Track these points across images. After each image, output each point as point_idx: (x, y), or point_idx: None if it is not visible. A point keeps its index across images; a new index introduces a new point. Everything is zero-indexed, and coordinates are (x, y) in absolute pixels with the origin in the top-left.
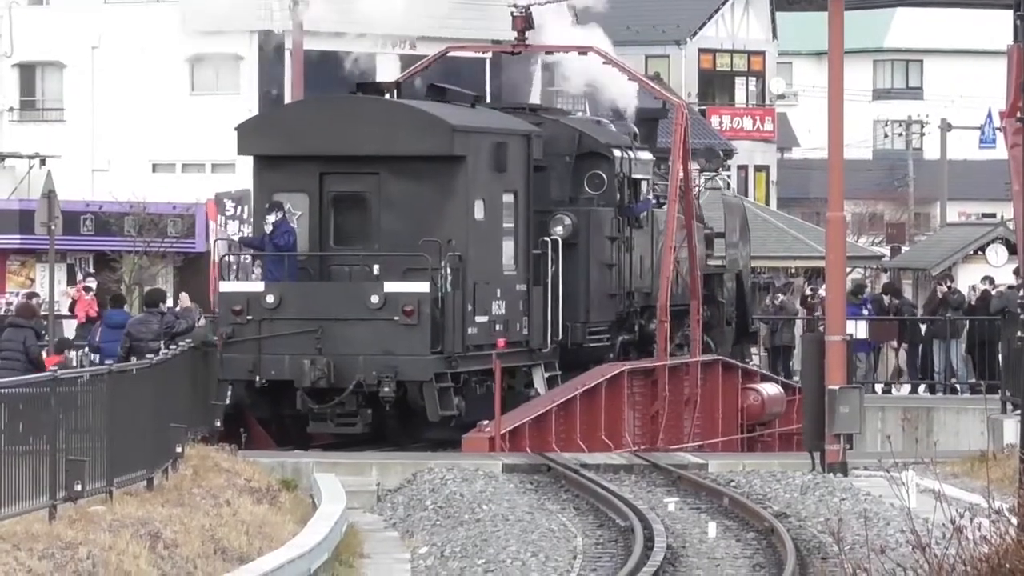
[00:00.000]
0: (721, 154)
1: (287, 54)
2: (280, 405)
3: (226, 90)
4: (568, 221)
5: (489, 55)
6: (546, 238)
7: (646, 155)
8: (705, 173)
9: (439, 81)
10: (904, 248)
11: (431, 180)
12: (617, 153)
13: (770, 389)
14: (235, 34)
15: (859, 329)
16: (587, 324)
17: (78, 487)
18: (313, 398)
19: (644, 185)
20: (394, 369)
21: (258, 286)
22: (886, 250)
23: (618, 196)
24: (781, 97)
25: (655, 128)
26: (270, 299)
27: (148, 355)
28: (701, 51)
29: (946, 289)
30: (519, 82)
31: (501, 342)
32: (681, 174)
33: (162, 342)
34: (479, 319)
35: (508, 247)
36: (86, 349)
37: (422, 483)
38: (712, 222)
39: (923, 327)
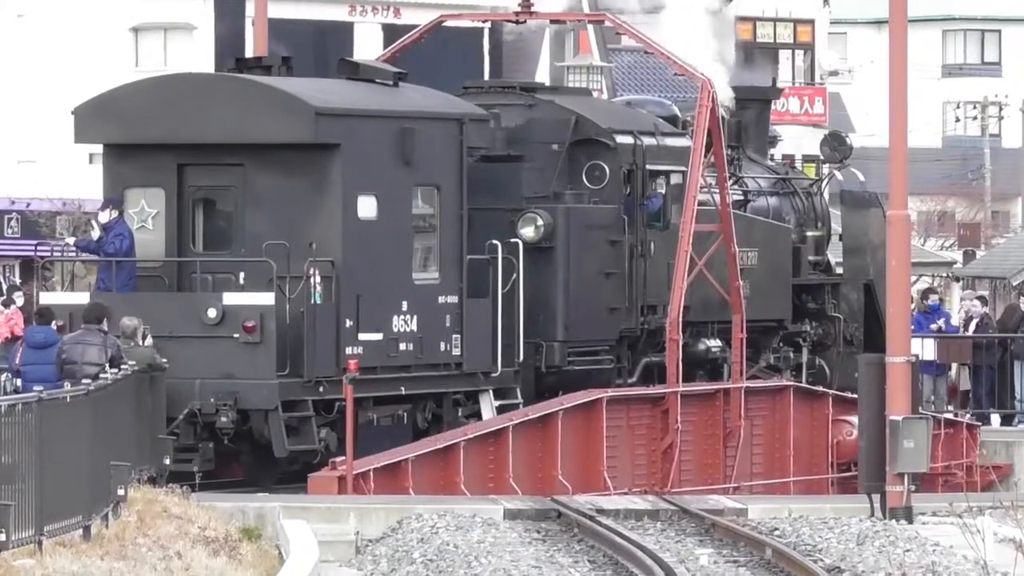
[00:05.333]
0: (850, 141)
1: (248, 22)
2: None
3: (177, 65)
4: (541, 221)
5: (488, 24)
6: (495, 241)
7: (677, 142)
8: (829, 165)
9: (431, 58)
10: (979, 253)
11: (299, 173)
12: (624, 140)
13: None
14: None
15: (926, 349)
16: (568, 343)
17: (1, 537)
18: None
19: (672, 179)
20: (234, 395)
21: (82, 298)
22: (958, 255)
23: (627, 191)
24: (834, 74)
25: (765, 111)
26: None
27: (85, 380)
28: (739, 19)
29: None
30: (521, 56)
31: (352, 364)
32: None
33: (105, 365)
34: (367, 336)
35: (426, 252)
36: (8, 374)
37: (409, 531)
38: (828, 221)
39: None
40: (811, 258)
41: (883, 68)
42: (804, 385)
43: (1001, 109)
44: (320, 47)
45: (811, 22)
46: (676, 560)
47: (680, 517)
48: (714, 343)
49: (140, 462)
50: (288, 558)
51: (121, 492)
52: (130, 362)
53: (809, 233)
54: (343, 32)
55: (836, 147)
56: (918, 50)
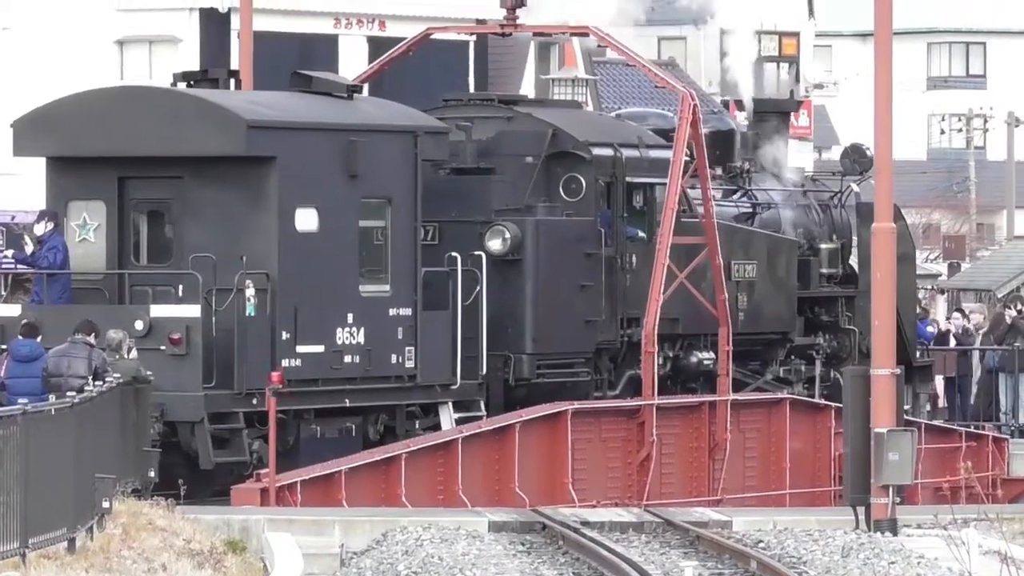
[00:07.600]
0: (870, 154)
1: (233, 35)
2: None
3: (162, 78)
4: (508, 234)
5: (473, 37)
6: (455, 254)
7: (663, 154)
8: (849, 178)
9: (416, 70)
10: (964, 265)
11: (235, 186)
12: (601, 152)
13: None
14: (172, 11)
15: None
16: (537, 356)
17: None
18: None
19: (656, 192)
20: (160, 407)
21: (13, 310)
22: (943, 267)
23: (604, 204)
24: (819, 87)
25: (783, 124)
26: None
27: (70, 393)
28: (724, 32)
29: (1015, 313)
30: (506, 69)
31: (275, 376)
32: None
33: (89, 378)
34: (305, 348)
35: (376, 264)
36: None
37: (393, 544)
38: (849, 234)
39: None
40: (824, 270)
41: (868, 81)
42: (802, 398)
43: (986, 121)
44: (305, 60)
45: (796, 35)
46: (661, 573)
47: (665, 529)
48: (707, 355)
49: (125, 474)
50: (273, 571)
51: (106, 504)
52: (115, 375)
53: (823, 245)
54: (328, 45)
55: (857, 159)
56: (903, 62)
